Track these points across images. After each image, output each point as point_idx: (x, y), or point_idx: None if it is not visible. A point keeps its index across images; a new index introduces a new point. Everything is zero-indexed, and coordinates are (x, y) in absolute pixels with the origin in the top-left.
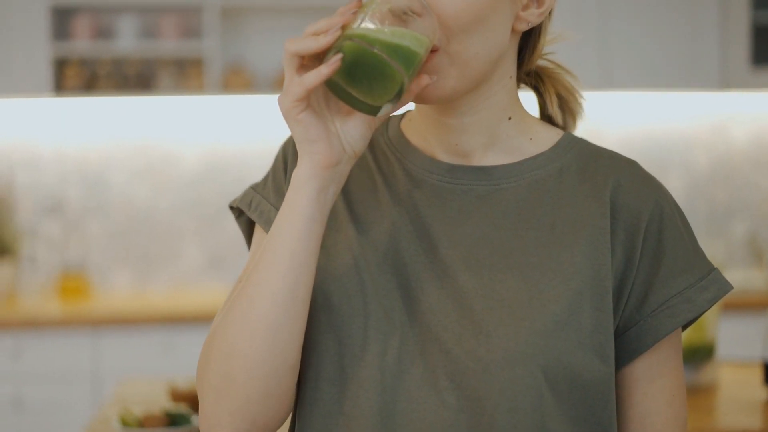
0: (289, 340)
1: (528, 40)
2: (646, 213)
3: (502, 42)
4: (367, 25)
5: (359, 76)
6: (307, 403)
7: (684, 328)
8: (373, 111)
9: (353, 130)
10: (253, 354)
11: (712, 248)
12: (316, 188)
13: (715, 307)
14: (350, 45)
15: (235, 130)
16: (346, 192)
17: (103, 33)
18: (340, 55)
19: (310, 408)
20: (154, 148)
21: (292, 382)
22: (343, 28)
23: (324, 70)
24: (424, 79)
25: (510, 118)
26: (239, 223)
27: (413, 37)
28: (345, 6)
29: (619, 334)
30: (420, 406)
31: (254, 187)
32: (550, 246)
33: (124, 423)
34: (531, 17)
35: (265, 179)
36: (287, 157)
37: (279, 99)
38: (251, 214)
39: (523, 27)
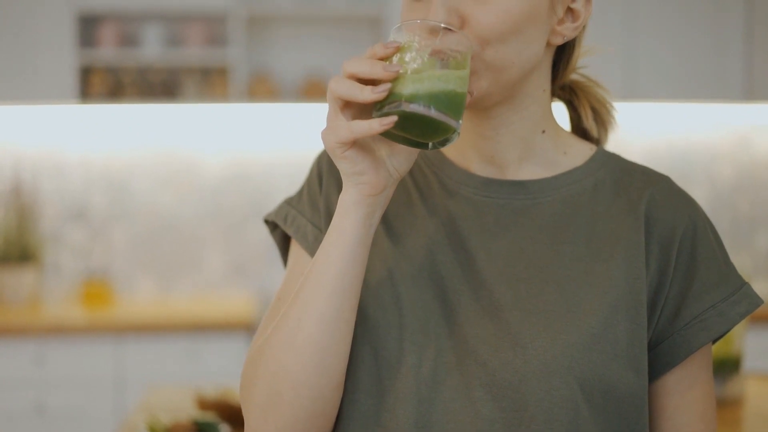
0: (335, 361)
1: (561, 54)
2: (680, 228)
3: (537, 54)
4: (415, 85)
5: (412, 128)
6: (345, 414)
7: (714, 341)
8: (423, 147)
9: (399, 154)
10: (301, 373)
11: (736, 260)
12: (363, 215)
13: (742, 321)
14: (403, 108)
15: (260, 139)
16: None
17: (129, 41)
18: (394, 118)
19: (348, 420)
20: (179, 156)
21: (337, 401)
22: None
23: (376, 127)
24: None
25: (544, 132)
26: (273, 237)
27: (457, 78)
28: (383, 49)
29: (652, 347)
30: (455, 417)
31: (289, 201)
32: (586, 260)
33: (152, 431)
34: (566, 31)
35: (300, 193)
36: (322, 171)
37: (323, 135)
38: (287, 228)
39: (558, 41)
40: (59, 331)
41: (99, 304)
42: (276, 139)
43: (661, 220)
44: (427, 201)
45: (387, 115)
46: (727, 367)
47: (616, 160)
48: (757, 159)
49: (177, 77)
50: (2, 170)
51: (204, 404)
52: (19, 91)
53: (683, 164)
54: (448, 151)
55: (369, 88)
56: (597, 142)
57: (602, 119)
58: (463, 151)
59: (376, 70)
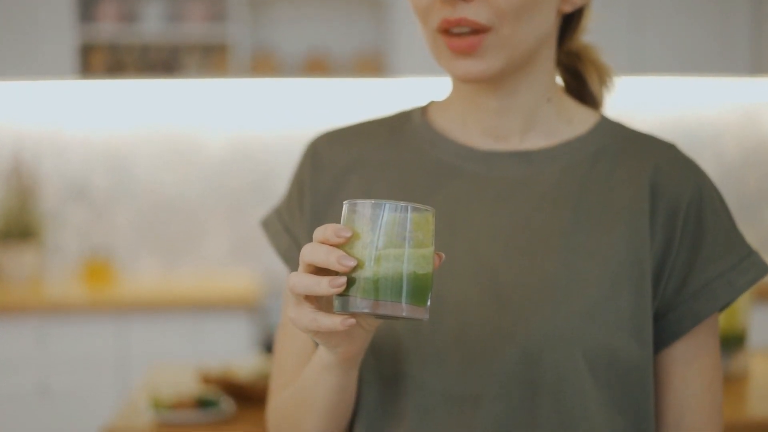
0: (345, 425)
1: (568, 23)
2: (686, 196)
3: (549, 24)
4: (374, 277)
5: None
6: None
7: (721, 310)
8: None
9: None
10: None
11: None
12: (345, 369)
13: (747, 295)
14: (362, 309)
15: (262, 116)
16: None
17: (129, 17)
18: (353, 321)
19: (355, 413)
20: (180, 134)
21: None
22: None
23: (339, 327)
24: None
25: (549, 100)
26: (269, 240)
27: (420, 258)
28: (335, 237)
29: (659, 318)
30: (455, 398)
31: (278, 210)
32: (588, 229)
33: (155, 407)
34: None
35: (288, 200)
36: (303, 186)
37: (292, 317)
38: (273, 244)
39: (569, 9)
40: (61, 310)
41: (101, 283)
42: (279, 116)
43: (666, 189)
44: (423, 185)
45: (349, 311)
46: (732, 343)
47: (620, 128)
48: (764, 133)
49: (178, 54)
50: (3, 148)
51: (208, 379)
52: (19, 67)
53: (690, 139)
54: (446, 126)
55: (326, 280)
56: (601, 104)
57: (605, 83)
58: (466, 121)
59: (330, 261)
